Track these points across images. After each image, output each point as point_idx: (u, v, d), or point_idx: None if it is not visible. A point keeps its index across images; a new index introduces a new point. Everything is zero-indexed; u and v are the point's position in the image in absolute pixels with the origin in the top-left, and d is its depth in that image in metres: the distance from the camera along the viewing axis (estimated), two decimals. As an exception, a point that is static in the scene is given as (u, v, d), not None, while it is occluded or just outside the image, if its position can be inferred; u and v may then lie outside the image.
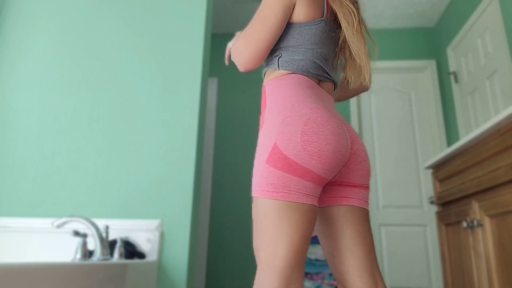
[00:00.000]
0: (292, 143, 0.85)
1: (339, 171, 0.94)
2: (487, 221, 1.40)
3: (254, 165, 0.91)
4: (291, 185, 0.84)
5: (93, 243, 1.80)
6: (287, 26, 1.01)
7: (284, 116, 0.89)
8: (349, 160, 0.95)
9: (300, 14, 0.99)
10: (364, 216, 0.97)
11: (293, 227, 0.83)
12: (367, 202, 1.00)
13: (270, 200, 0.85)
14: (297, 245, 0.84)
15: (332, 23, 1.04)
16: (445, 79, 3.25)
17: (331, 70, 1.03)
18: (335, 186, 0.97)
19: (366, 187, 1.00)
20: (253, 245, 0.89)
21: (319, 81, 1.02)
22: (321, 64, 1.00)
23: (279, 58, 1.01)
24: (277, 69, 1.00)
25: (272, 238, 0.84)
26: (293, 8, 0.99)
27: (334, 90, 1.08)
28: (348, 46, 1.05)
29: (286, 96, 0.93)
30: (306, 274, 2.51)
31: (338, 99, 1.20)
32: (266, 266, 0.84)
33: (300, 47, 1.00)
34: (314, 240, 2.53)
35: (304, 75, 0.99)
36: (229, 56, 1.16)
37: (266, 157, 0.87)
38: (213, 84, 3.52)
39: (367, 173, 0.99)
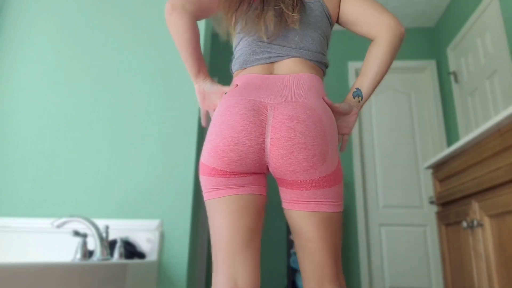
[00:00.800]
0: (203, 148, 0.92)
1: (262, 163, 0.87)
2: (487, 221, 1.40)
3: None
4: (207, 184, 0.90)
5: (93, 243, 1.79)
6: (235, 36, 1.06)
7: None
8: (271, 152, 0.84)
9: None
10: (312, 221, 0.86)
11: (220, 219, 0.88)
12: (318, 203, 0.86)
13: (205, 202, 0.93)
14: (229, 236, 0.87)
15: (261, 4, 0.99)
16: (445, 79, 3.25)
17: (282, 47, 0.96)
18: (281, 188, 0.91)
19: (310, 185, 0.85)
20: None
21: (273, 63, 0.96)
22: (262, 49, 0.97)
23: (231, 64, 1.06)
24: (232, 73, 1.06)
25: (212, 233, 0.90)
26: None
27: (313, 62, 0.98)
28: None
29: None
30: (306, 274, 2.50)
31: (382, 63, 0.97)
32: (213, 259, 0.89)
33: (240, 44, 1.03)
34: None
35: (248, 68, 0.98)
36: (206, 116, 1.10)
37: None
38: (213, 84, 3.51)
39: (299, 167, 0.83)
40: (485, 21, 2.60)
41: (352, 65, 3.44)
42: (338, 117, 0.99)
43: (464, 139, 1.51)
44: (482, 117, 2.65)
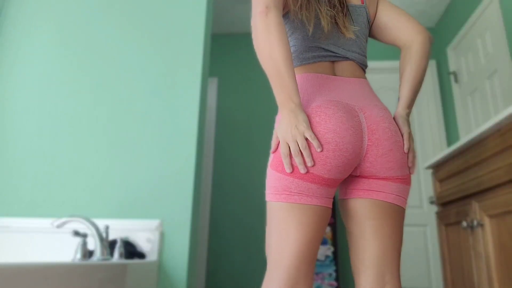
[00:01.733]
0: None
1: (358, 165, 0.87)
2: (487, 221, 1.40)
3: None
4: (292, 186, 0.83)
5: (93, 243, 1.80)
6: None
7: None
8: (368, 153, 0.86)
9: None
10: (386, 211, 0.89)
11: (297, 228, 0.83)
12: (398, 196, 0.90)
13: (275, 202, 0.86)
14: (302, 246, 0.83)
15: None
16: (445, 79, 3.25)
17: (338, 48, 0.97)
18: (359, 178, 0.91)
19: (400, 179, 0.89)
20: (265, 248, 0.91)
21: (333, 62, 0.96)
22: (318, 45, 0.96)
23: None
24: None
25: (277, 239, 0.85)
26: None
27: (363, 66, 1.00)
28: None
29: None
30: (306, 274, 2.50)
31: (417, 73, 0.98)
32: (272, 266, 0.85)
33: (296, 40, 0.99)
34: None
35: (307, 65, 0.95)
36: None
37: (271, 160, 0.88)
38: (213, 84, 3.52)
39: (396, 164, 0.88)
40: (485, 21, 2.60)
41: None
42: None
43: (464, 139, 1.51)
44: (482, 117, 2.65)
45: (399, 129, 0.94)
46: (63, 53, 2.20)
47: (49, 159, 2.01)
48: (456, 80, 3.02)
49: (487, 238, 1.40)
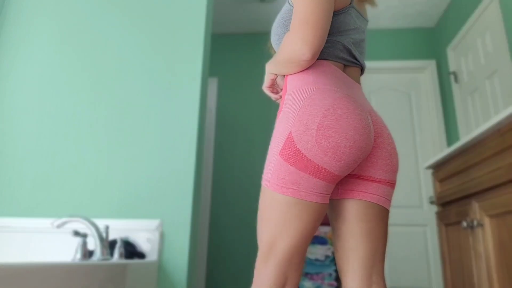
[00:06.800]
0: (307, 136, 0.80)
1: (358, 164, 0.89)
2: (487, 221, 1.40)
3: (268, 151, 0.87)
4: (301, 182, 0.81)
5: (93, 243, 1.80)
6: None
7: (303, 104, 0.83)
8: (371, 154, 0.89)
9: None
10: (378, 214, 0.91)
11: (297, 224, 0.83)
12: (387, 200, 0.93)
13: (279, 194, 0.82)
14: (298, 241, 0.84)
15: (356, 11, 1.01)
16: (445, 79, 3.25)
17: (359, 55, 0.99)
18: (353, 179, 0.91)
19: (390, 183, 0.93)
20: (257, 231, 0.89)
21: (345, 67, 0.96)
22: (351, 48, 0.95)
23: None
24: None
25: (274, 230, 0.83)
26: None
27: (361, 75, 1.03)
28: None
29: (309, 83, 0.86)
30: (306, 274, 2.51)
31: None
32: (265, 256, 0.85)
33: (330, 35, 0.94)
34: (314, 240, 2.53)
35: (331, 60, 0.93)
36: (273, 83, 1.03)
37: (280, 148, 0.82)
38: (213, 84, 3.52)
39: (392, 168, 0.92)
40: (485, 21, 2.60)
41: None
42: None
43: (464, 139, 1.51)
44: (482, 117, 2.65)
45: None
46: (63, 53, 2.20)
47: (49, 159, 2.01)
48: (456, 80, 3.02)
49: (487, 238, 1.40)
